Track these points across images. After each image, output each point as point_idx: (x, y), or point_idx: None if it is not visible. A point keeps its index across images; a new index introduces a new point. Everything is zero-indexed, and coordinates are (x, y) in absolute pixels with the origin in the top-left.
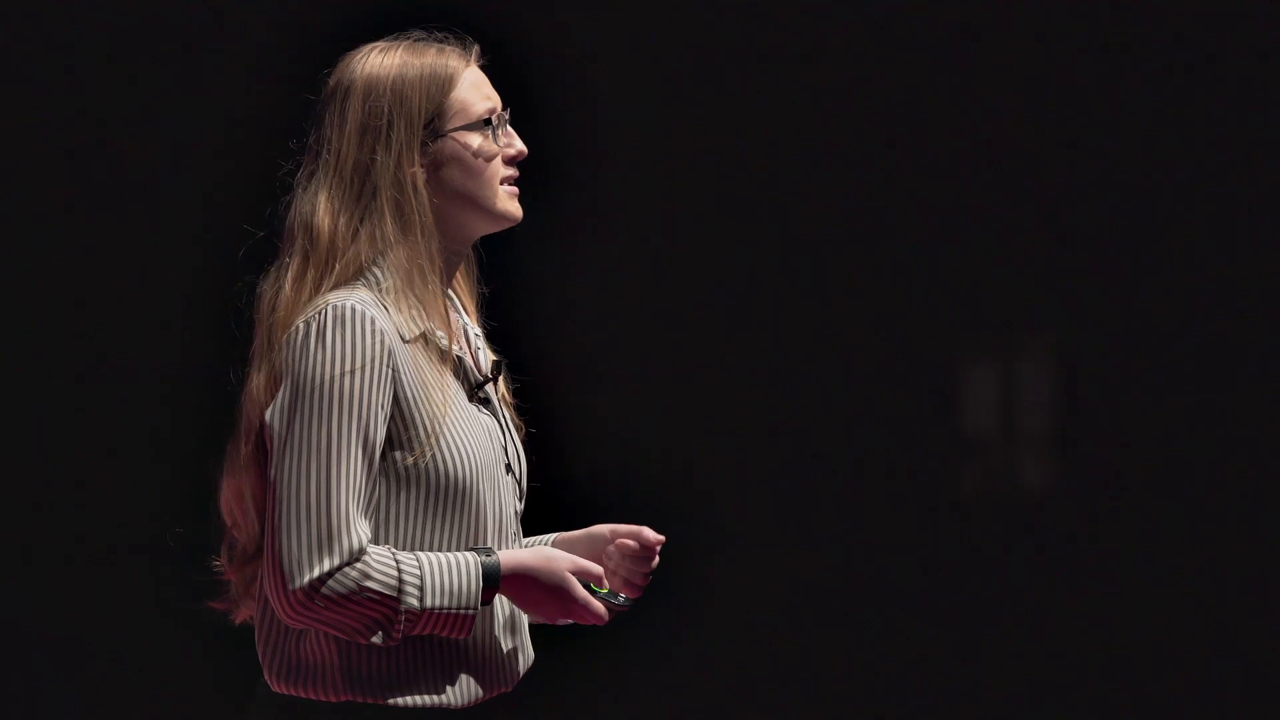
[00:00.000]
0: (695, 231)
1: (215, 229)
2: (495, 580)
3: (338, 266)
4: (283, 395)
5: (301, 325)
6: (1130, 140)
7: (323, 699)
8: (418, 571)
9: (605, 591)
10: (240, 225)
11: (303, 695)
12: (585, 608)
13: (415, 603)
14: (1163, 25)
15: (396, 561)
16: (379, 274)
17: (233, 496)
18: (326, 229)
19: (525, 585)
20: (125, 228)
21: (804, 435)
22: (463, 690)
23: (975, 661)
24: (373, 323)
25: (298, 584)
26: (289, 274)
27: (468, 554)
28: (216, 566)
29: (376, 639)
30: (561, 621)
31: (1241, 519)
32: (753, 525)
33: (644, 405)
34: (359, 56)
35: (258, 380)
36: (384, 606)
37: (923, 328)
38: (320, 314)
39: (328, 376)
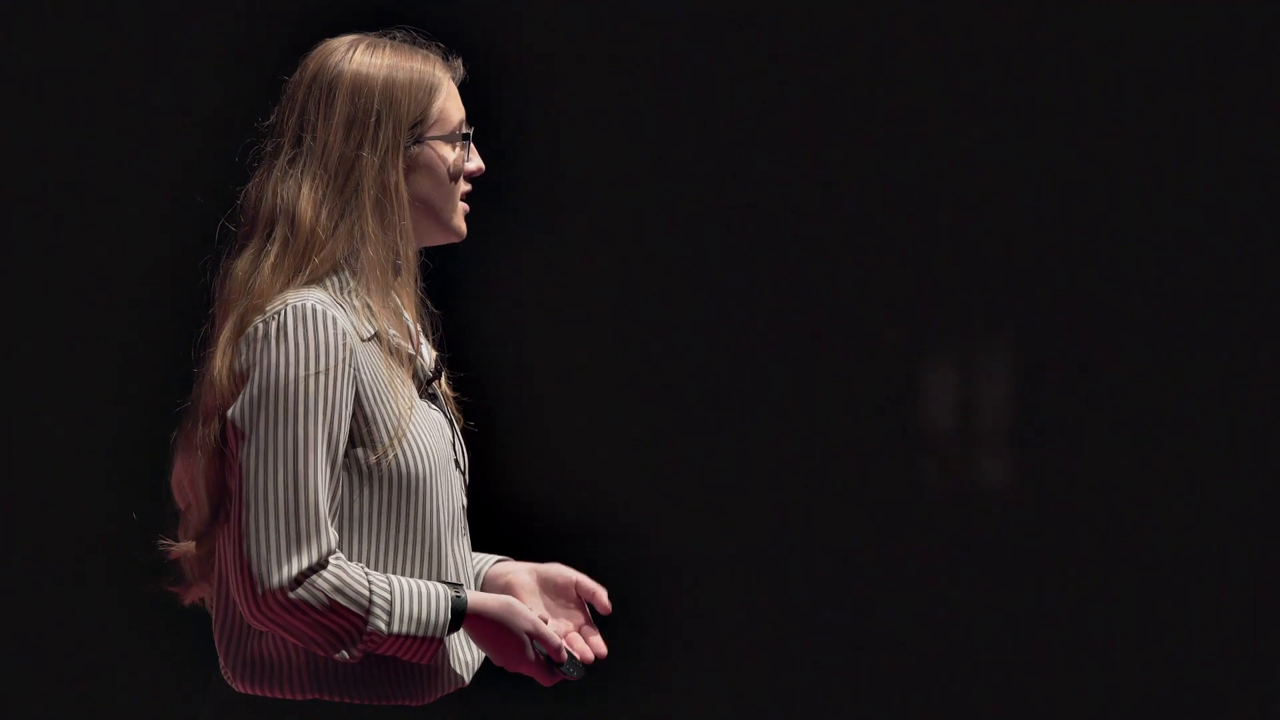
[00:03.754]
0: (649, 232)
1: (169, 215)
2: (461, 618)
3: (315, 260)
4: (247, 395)
5: (260, 325)
6: (1087, 141)
7: (287, 697)
8: (389, 595)
9: (563, 665)
10: (191, 209)
11: (266, 694)
12: (535, 669)
13: (383, 626)
14: (1119, 29)
15: (369, 581)
16: (345, 273)
17: (185, 476)
18: (309, 219)
19: (484, 630)
20: (78, 213)
21: (762, 434)
22: (423, 687)
23: (934, 660)
24: (334, 322)
25: (268, 585)
26: (269, 259)
27: (439, 585)
28: (164, 546)
29: (337, 653)
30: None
31: (1201, 515)
32: (710, 524)
33: (596, 402)
34: (343, 49)
35: (221, 365)
36: (349, 623)
37: (881, 327)
38: (280, 314)
39: (293, 377)
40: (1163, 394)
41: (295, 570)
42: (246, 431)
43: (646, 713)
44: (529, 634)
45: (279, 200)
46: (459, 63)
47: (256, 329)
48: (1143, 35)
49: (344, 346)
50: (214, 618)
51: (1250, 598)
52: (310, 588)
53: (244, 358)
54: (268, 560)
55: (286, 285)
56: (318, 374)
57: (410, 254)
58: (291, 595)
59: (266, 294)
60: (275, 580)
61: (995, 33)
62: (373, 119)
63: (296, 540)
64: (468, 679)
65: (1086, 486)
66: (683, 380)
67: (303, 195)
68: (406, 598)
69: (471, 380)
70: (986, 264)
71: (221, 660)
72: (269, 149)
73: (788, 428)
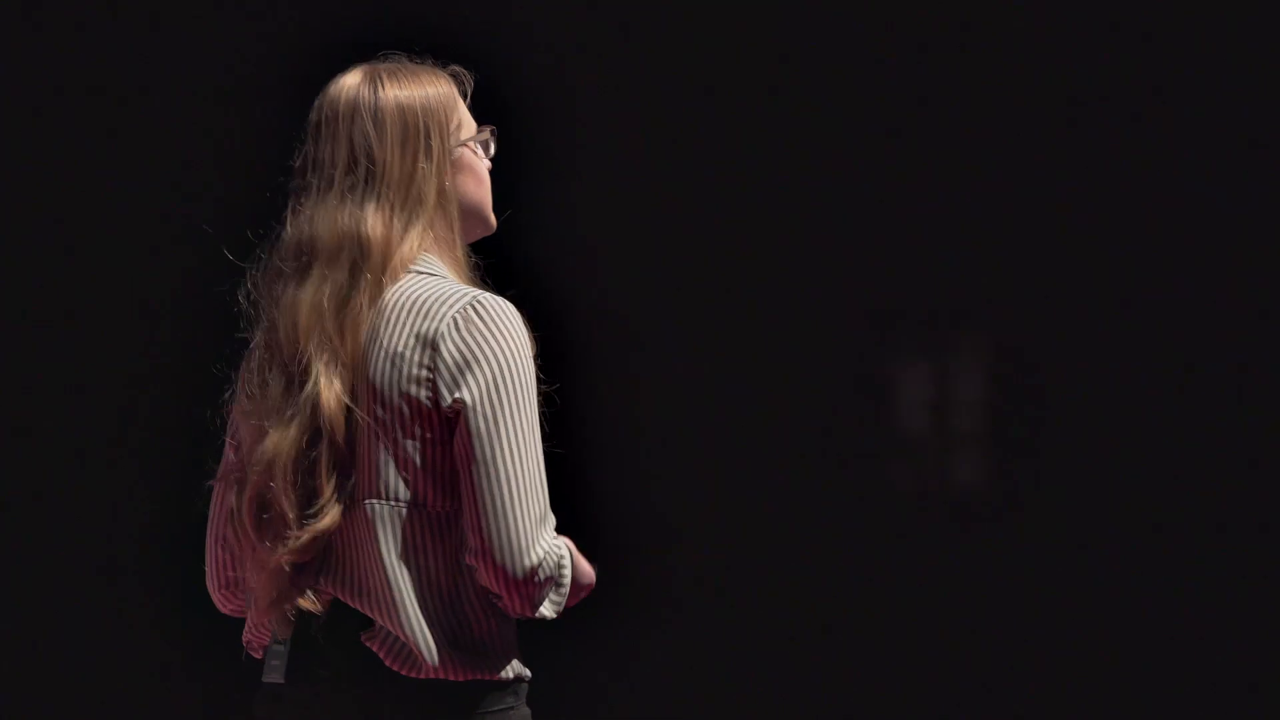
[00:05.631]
0: (632, 232)
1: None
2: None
3: (391, 264)
4: (481, 384)
5: (459, 317)
6: (1061, 142)
7: (494, 679)
8: (562, 545)
9: None
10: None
11: (479, 678)
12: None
13: (568, 574)
14: (1087, 30)
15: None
16: (429, 267)
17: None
18: (381, 235)
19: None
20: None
21: (737, 433)
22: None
23: (909, 659)
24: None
25: (532, 561)
26: (343, 278)
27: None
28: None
29: (555, 612)
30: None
31: (1173, 514)
32: (687, 522)
33: (580, 406)
34: (366, 81)
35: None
36: (562, 580)
37: (856, 326)
38: (482, 304)
39: (521, 363)
40: (1136, 392)
41: (546, 543)
42: (491, 418)
43: (613, 712)
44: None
45: (345, 225)
46: (457, 69)
47: (455, 323)
48: (1113, 35)
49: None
50: (416, 620)
51: (1226, 595)
52: (552, 555)
53: (457, 347)
54: (528, 539)
55: (375, 295)
56: (530, 359)
57: (464, 253)
58: (544, 565)
59: (360, 311)
60: (535, 556)
61: (964, 35)
62: (422, 132)
63: (544, 516)
64: None
65: (1060, 485)
66: (655, 381)
67: (376, 215)
68: (565, 546)
69: None
70: (959, 264)
71: (428, 654)
72: (315, 184)
73: (761, 428)
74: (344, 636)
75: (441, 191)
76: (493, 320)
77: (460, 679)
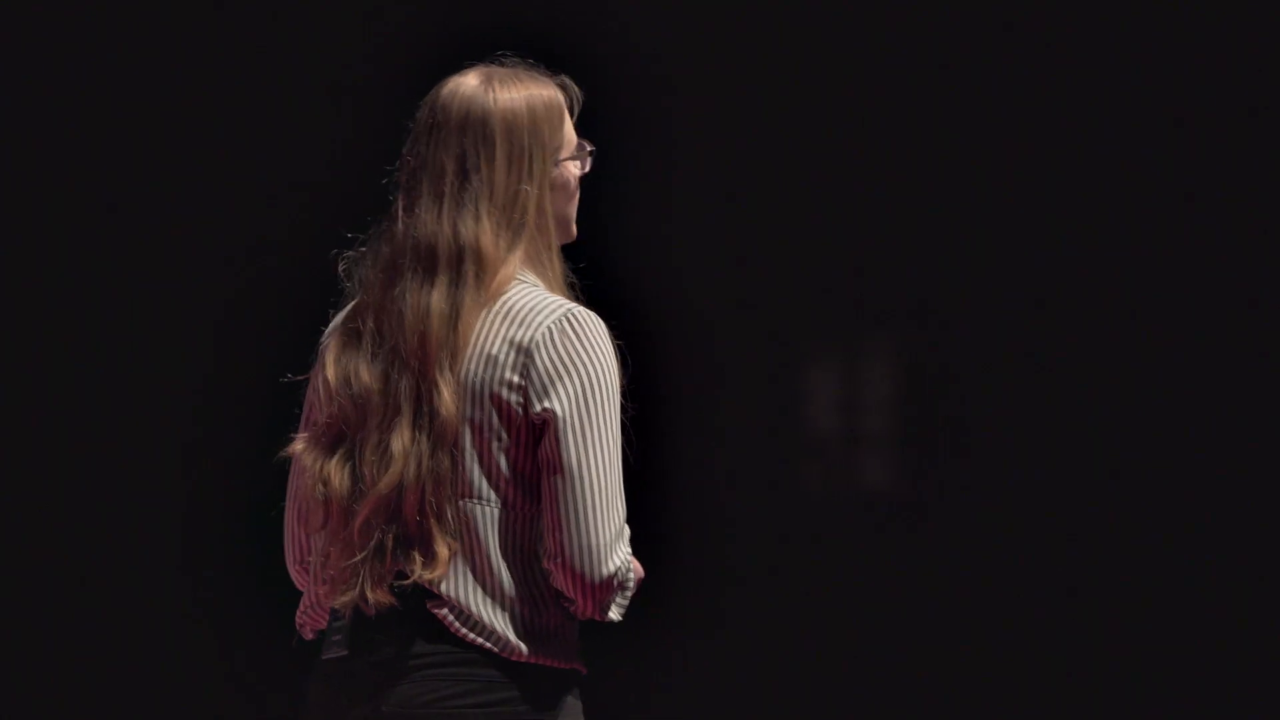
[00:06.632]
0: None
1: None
2: None
3: (499, 279)
4: (572, 393)
5: (554, 327)
6: (970, 139)
7: (552, 664)
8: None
9: None
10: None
11: (538, 662)
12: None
13: (633, 579)
14: (1011, 31)
15: None
16: (524, 277)
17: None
18: (492, 252)
19: None
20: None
21: (643, 434)
22: None
23: (816, 660)
24: None
25: (611, 569)
26: (466, 292)
27: None
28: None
29: (615, 614)
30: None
31: (1086, 513)
32: None
33: None
34: (479, 87)
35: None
36: (627, 583)
37: (765, 327)
38: (576, 316)
39: (611, 376)
40: (1044, 392)
41: (624, 552)
42: (580, 429)
43: None
44: None
45: (462, 237)
46: (566, 80)
47: (550, 331)
48: (1027, 36)
49: None
50: (492, 603)
51: (1144, 592)
52: (625, 564)
53: (552, 356)
54: (609, 546)
55: (480, 304)
56: (616, 374)
57: (559, 270)
58: (620, 574)
59: (470, 319)
60: (612, 565)
61: (863, 34)
62: (527, 154)
63: (622, 526)
64: None
65: (969, 487)
66: None
67: (484, 231)
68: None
69: None
70: (869, 264)
71: (501, 638)
72: (428, 187)
73: (668, 429)
74: (408, 610)
75: (540, 211)
76: (586, 333)
77: (524, 660)
